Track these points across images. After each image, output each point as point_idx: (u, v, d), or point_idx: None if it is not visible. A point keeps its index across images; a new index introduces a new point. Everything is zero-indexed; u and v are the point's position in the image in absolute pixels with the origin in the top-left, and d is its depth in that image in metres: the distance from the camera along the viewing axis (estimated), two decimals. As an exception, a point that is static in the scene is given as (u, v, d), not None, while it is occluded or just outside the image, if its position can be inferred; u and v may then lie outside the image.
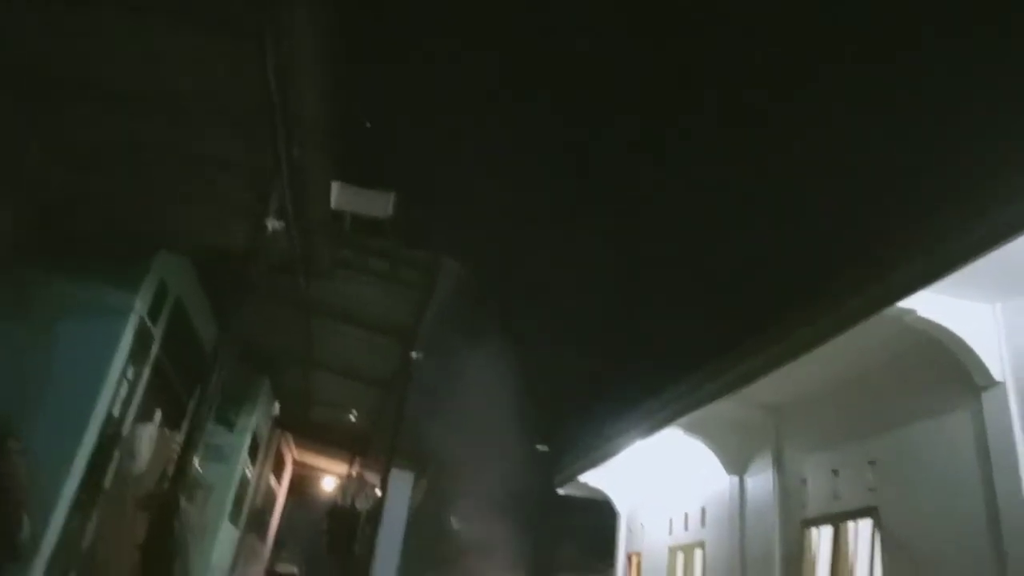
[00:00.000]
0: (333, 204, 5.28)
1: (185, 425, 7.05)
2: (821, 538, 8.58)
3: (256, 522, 11.80)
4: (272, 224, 3.81)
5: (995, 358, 6.31)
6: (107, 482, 5.14)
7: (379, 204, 5.61)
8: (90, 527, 5.04)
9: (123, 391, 5.04)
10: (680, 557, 12.30)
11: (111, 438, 5.04)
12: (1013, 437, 5.97)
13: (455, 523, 18.35)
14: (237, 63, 3.36)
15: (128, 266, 4.97)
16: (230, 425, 8.06)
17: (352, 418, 10.10)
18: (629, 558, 15.03)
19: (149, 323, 5.28)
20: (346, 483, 12.19)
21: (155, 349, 5.55)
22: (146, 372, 5.47)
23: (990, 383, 6.27)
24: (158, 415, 5.98)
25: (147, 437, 5.41)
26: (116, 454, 5.18)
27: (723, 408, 9.48)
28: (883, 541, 7.33)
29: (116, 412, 5.00)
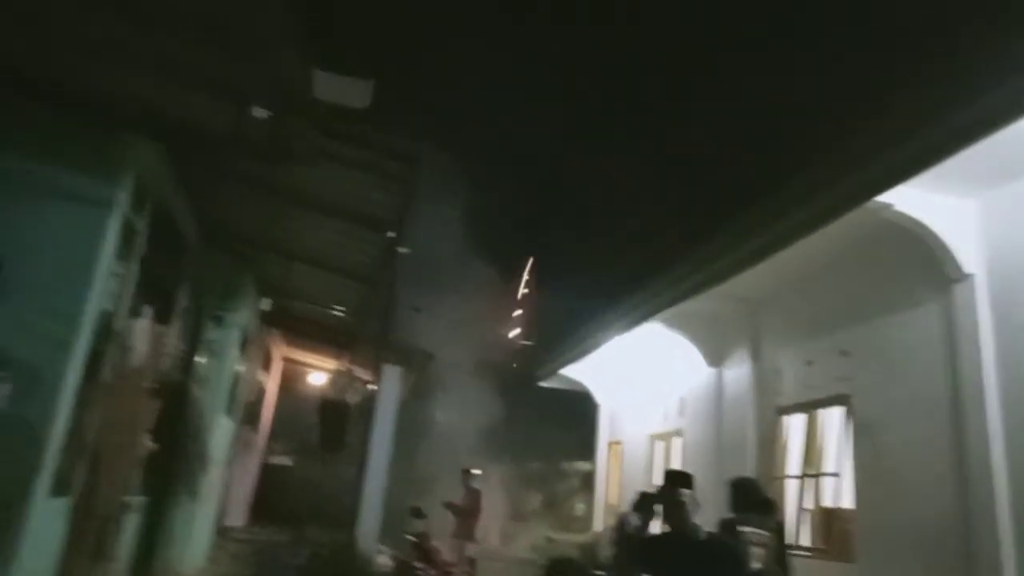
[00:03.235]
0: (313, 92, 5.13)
1: (176, 319, 7.17)
2: (794, 425, 9.03)
3: (249, 416, 12.11)
4: (256, 111, 3.73)
5: (968, 251, 6.49)
6: (106, 374, 5.26)
7: (357, 93, 5.46)
8: (94, 418, 5.20)
9: (113, 285, 5.07)
10: (660, 445, 12.90)
11: (105, 332, 5.11)
12: (979, 328, 6.22)
13: (441, 415, 18.96)
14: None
15: (108, 159, 4.84)
16: (218, 320, 8.13)
17: (339, 313, 10.22)
18: (610, 446, 15.73)
19: (133, 218, 5.24)
20: (336, 378, 12.48)
21: (141, 244, 5.54)
22: (133, 268, 5.48)
23: (961, 276, 6.46)
24: (149, 310, 6.04)
25: (141, 331, 5.49)
26: (112, 348, 5.27)
27: (703, 302, 9.68)
28: (853, 427, 7.73)
29: (108, 305, 5.05)
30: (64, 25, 4.28)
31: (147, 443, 5.54)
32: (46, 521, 4.68)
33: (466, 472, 11.70)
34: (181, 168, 5.82)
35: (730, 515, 5.45)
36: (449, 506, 11.23)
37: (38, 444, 4.44)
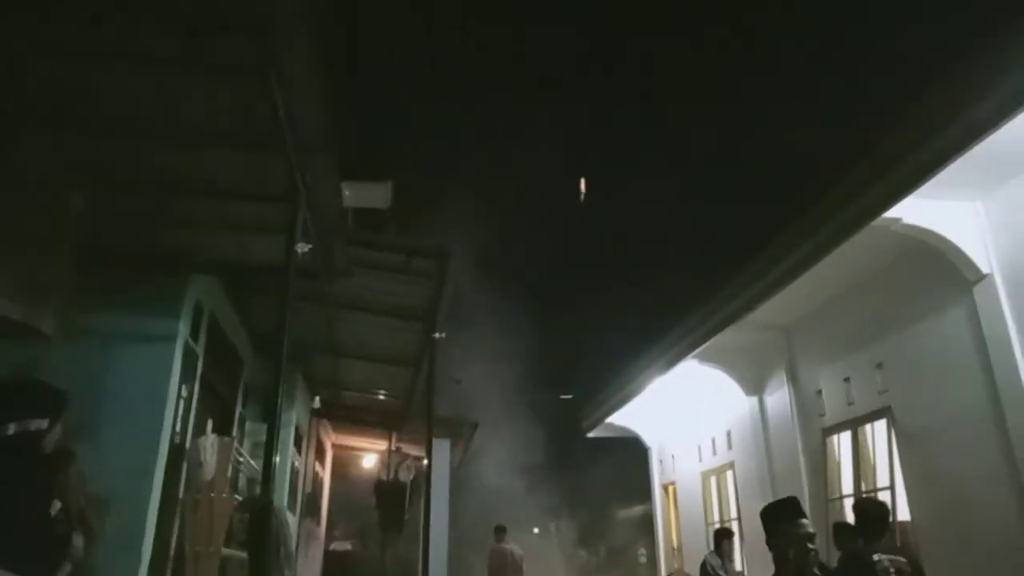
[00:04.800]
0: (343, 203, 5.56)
1: (235, 430, 7.56)
2: (841, 444, 9.06)
3: (310, 507, 12.37)
4: (300, 247, 4.17)
5: (981, 252, 6.65)
6: (181, 490, 5.64)
7: (378, 195, 5.90)
8: (175, 531, 5.56)
9: (180, 409, 5.48)
10: (713, 480, 12.88)
11: (178, 452, 5.51)
12: (1006, 324, 6.34)
13: (494, 479, 19.05)
14: (246, 101, 3.67)
15: (168, 294, 5.35)
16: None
17: (384, 397, 10.57)
18: (665, 488, 15.66)
19: (192, 343, 5.68)
20: (387, 458, 12.72)
21: (200, 366, 5.97)
22: (196, 388, 5.90)
23: (979, 276, 6.62)
24: (210, 424, 6.43)
25: (209, 446, 5.87)
26: (184, 465, 5.66)
27: (734, 334, 9.87)
28: (898, 438, 7.78)
29: (178, 428, 5.45)
30: (148, 210, 4.86)
31: (229, 550, 5.87)
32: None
33: (496, 530, 11.66)
34: (230, 291, 6.31)
35: (858, 544, 4.77)
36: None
37: (134, 564, 4.78)
